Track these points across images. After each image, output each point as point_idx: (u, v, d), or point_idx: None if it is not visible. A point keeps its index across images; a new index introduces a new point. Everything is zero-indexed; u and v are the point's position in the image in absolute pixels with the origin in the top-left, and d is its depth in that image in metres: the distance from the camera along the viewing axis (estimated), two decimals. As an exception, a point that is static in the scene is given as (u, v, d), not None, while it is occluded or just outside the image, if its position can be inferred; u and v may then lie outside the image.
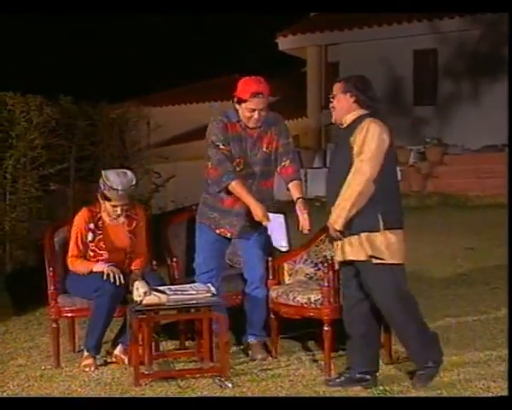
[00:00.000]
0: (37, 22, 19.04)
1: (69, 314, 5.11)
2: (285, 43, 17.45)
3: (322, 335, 4.64)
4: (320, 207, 12.33)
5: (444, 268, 7.76)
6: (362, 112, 4.32)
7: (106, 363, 4.99)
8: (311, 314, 4.71)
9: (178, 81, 20.10)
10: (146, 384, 4.50)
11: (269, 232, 4.85)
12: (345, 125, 4.36)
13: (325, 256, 5.12)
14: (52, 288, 5.02)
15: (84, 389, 4.54)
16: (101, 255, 5.06)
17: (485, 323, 5.65)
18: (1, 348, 5.56)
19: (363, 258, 4.24)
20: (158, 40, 23.51)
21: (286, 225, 4.87)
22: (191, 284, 4.84)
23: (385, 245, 4.20)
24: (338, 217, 4.21)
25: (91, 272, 4.98)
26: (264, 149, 4.99)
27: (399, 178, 15.85)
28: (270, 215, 4.83)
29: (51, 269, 5.04)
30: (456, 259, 8.21)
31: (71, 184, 8.87)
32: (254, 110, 4.86)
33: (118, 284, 4.85)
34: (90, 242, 5.06)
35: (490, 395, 4.17)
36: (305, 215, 4.81)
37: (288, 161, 5.03)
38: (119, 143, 10.00)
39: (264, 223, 4.82)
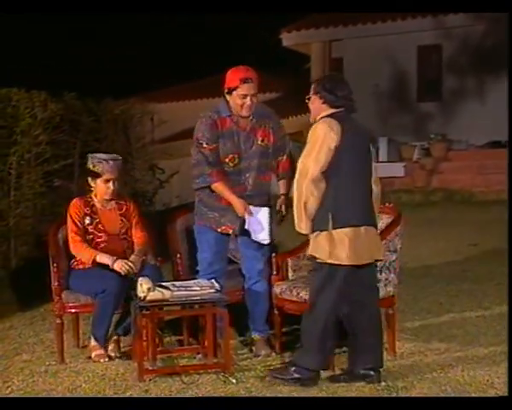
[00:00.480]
0: (43, 22, 19.11)
1: (73, 310, 5.12)
2: (289, 38, 17.42)
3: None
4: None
5: (448, 264, 7.75)
6: (332, 111, 4.34)
7: (110, 358, 5.00)
8: (315, 310, 4.71)
9: (180, 80, 20.17)
10: (150, 380, 4.51)
11: (246, 226, 4.85)
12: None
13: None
14: (56, 284, 5.03)
15: (88, 384, 4.55)
16: (101, 237, 5.09)
17: (489, 319, 5.65)
18: (6, 344, 5.58)
19: (307, 253, 4.38)
20: (160, 40, 23.56)
21: (270, 218, 4.89)
22: (195, 280, 4.85)
23: (327, 244, 4.22)
24: (298, 221, 4.27)
25: (94, 261, 4.98)
26: (260, 143, 4.96)
27: (403, 174, 15.66)
28: (253, 209, 4.85)
29: (55, 265, 5.05)
30: (460, 255, 8.20)
31: (75, 180, 8.88)
32: (246, 96, 4.81)
33: (133, 274, 4.86)
34: (89, 225, 5.09)
35: (494, 390, 4.18)
36: (278, 214, 4.91)
37: (285, 156, 5.05)
38: (124, 139, 10.02)
39: (245, 217, 4.83)
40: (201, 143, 4.88)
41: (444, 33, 15.77)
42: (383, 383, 4.32)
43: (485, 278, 7.04)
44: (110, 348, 5.04)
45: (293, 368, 4.35)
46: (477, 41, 15.47)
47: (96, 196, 5.17)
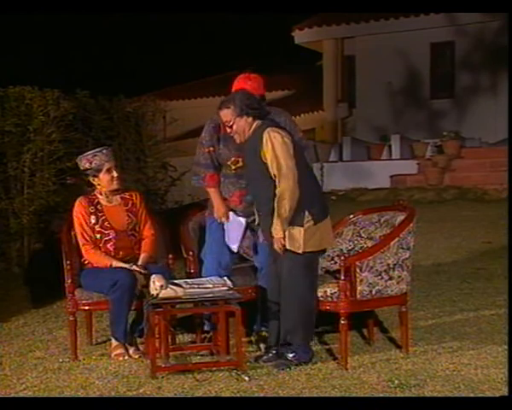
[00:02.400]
0: (56, 21, 19.21)
1: (86, 307, 5.14)
2: (301, 36, 17.41)
3: (339, 328, 4.65)
4: (336, 200, 12.33)
5: (461, 262, 7.72)
6: (258, 123, 4.65)
7: (129, 357, 5.00)
8: (328, 308, 4.71)
9: (192, 78, 20.24)
10: (163, 377, 4.53)
11: (225, 227, 5.01)
12: (247, 137, 4.67)
13: (341, 250, 5.13)
14: (69, 281, 5.05)
15: (101, 381, 4.57)
16: (109, 235, 5.10)
17: (503, 317, 5.62)
18: (19, 341, 5.61)
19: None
20: (171, 36, 23.61)
21: (244, 230, 5.00)
22: (207, 278, 4.86)
23: (302, 238, 4.55)
24: (282, 226, 4.54)
25: (111, 266, 5.02)
26: None
27: (416, 171, 15.59)
28: (232, 217, 4.99)
29: (68, 262, 5.07)
30: (473, 252, 8.17)
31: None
32: None
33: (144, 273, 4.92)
34: (95, 224, 5.11)
35: (508, 389, 4.15)
36: None
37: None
38: (136, 136, 10.03)
39: (222, 221, 4.99)
40: (202, 144, 5.05)
41: (457, 30, 15.71)
42: (396, 381, 4.31)
43: (498, 275, 7.00)
44: (131, 351, 5.04)
45: (289, 351, 4.59)
46: (490, 38, 15.40)
47: (100, 193, 5.19)
